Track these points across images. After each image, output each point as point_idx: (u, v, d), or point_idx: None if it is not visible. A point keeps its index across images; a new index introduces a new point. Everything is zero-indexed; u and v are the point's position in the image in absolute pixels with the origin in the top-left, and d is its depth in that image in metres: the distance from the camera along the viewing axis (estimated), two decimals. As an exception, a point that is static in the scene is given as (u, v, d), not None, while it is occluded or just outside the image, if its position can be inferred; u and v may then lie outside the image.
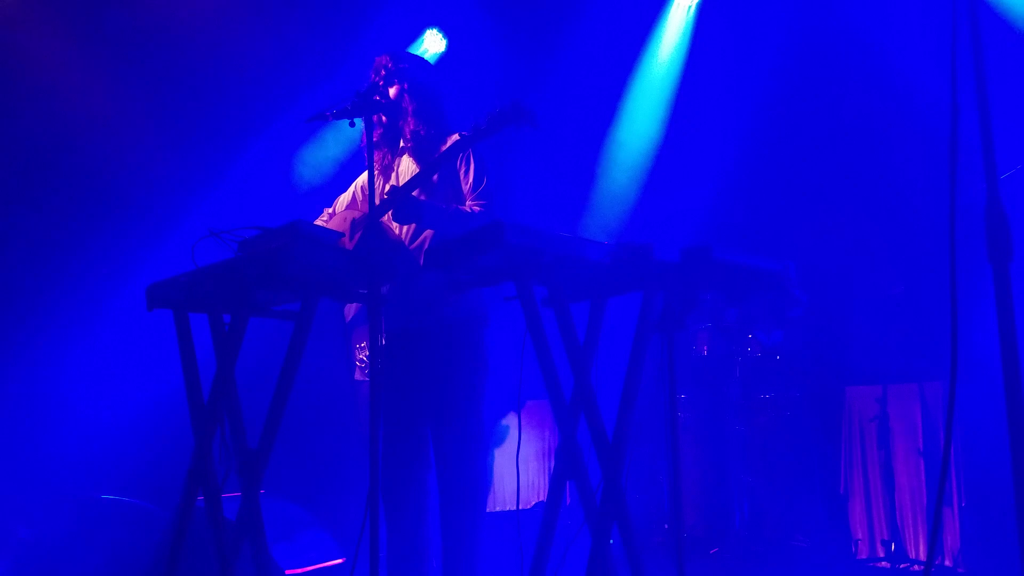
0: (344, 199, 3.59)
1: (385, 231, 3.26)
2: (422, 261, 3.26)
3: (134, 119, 5.08)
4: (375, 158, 3.42)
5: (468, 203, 3.29)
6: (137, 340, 4.86)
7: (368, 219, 2.84)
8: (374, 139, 3.28)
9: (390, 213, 3.15)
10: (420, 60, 3.59)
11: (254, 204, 5.22)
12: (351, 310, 3.52)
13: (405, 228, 3.32)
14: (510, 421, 5.08)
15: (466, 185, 3.32)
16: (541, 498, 5.22)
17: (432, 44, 5.82)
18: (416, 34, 5.83)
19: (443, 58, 5.81)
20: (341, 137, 5.45)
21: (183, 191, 5.17)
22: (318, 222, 3.51)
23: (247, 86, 5.36)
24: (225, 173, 5.28)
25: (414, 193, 3.15)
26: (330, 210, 3.61)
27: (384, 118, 3.37)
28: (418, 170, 3.29)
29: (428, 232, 3.28)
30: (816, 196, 5.46)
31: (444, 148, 3.28)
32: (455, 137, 3.24)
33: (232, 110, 5.32)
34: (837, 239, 5.26)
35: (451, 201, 3.30)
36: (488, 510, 4.98)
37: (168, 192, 5.15)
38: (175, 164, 5.16)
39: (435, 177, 3.32)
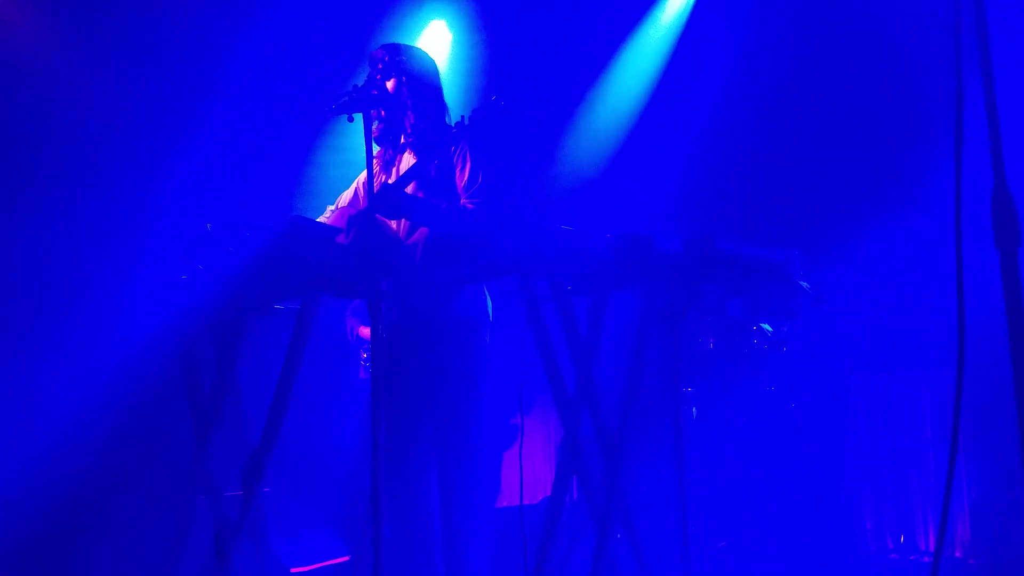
0: (347, 196, 3.57)
1: (382, 227, 3.23)
2: (418, 257, 3.24)
3: (128, 112, 5.05)
4: (376, 154, 3.41)
5: (463, 200, 3.26)
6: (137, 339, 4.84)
7: (365, 215, 2.81)
8: (374, 134, 3.27)
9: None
10: (418, 52, 3.54)
11: (254, 201, 5.20)
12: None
13: (401, 224, 3.30)
14: (520, 422, 5.06)
15: (461, 182, 3.29)
16: (548, 493, 5.19)
17: (438, 37, 5.77)
18: (418, 26, 5.77)
19: (446, 50, 5.75)
20: (341, 132, 5.41)
21: (183, 189, 5.14)
22: (321, 219, 3.49)
23: (241, 82, 5.33)
24: (222, 170, 5.25)
25: (407, 189, 3.12)
26: (333, 207, 3.59)
27: (383, 112, 3.35)
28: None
29: (424, 229, 3.25)
30: (819, 183, 5.39)
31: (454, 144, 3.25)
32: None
33: (231, 105, 5.29)
34: (841, 227, 5.21)
35: (448, 198, 3.27)
36: (496, 505, 4.98)
37: (167, 191, 5.12)
38: (172, 161, 5.12)
39: (432, 173, 3.29)
